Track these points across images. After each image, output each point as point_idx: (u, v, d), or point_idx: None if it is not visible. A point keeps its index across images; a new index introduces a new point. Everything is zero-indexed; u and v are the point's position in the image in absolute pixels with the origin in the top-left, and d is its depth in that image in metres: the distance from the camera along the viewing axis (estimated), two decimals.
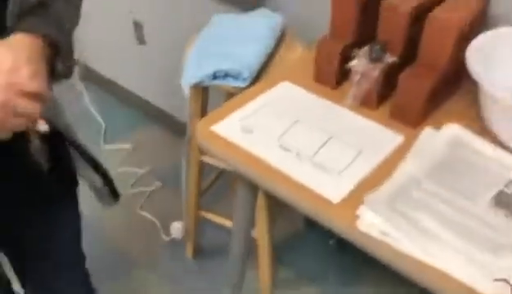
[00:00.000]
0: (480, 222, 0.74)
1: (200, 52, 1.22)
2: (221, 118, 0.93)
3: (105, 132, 2.24)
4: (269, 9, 1.38)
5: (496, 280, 0.65)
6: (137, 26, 2.01)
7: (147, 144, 2.18)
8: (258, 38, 1.23)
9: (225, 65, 1.14)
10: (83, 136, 2.20)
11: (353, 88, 0.92)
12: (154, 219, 1.81)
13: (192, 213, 1.57)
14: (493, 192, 0.78)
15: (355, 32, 0.97)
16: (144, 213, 1.84)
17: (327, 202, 0.77)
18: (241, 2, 1.47)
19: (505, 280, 0.65)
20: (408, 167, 0.82)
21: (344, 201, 0.77)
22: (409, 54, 0.92)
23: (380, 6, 0.91)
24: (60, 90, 0.80)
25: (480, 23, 0.95)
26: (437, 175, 0.80)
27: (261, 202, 1.26)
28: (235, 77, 1.15)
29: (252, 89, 1.02)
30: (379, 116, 0.94)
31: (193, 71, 1.18)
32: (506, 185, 0.79)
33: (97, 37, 2.28)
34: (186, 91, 1.21)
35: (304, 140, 0.88)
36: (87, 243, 1.08)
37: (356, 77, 0.92)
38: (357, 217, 0.74)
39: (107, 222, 1.80)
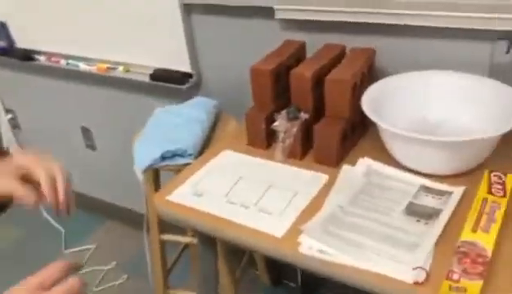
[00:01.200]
0: (396, 229, 0.90)
1: (148, 139, 1.38)
2: (174, 188, 1.08)
3: (65, 238, 2.30)
4: (203, 96, 1.59)
5: (414, 269, 0.81)
6: (85, 132, 2.17)
7: (109, 242, 2.25)
8: (197, 121, 1.41)
9: (171, 147, 1.31)
10: (44, 246, 2.27)
11: (279, 145, 1.11)
12: None
13: (161, 293, 1.64)
14: (404, 204, 0.96)
15: (273, 100, 1.17)
16: None
17: (273, 237, 0.92)
18: (177, 94, 1.67)
19: (421, 268, 0.81)
20: (334, 199, 0.99)
21: (287, 233, 0.92)
22: (319, 110, 1.12)
23: (290, 75, 1.12)
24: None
25: (371, 75, 1.18)
26: (358, 200, 0.98)
27: (223, 268, 1.37)
28: (182, 155, 1.31)
29: (198, 161, 1.19)
30: (305, 164, 1.12)
31: (143, 156, 1.33)
32: (414, 197, 0.97)
33: (49, 148, 2.41)
34: (139, 175, 1.36)
35: (247, 193, 1.03)
36: None
37: (280, 136, 1.10)
38: (298, 244, 0.89)
39: None
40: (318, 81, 1.11)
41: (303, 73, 1.10)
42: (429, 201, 0.96)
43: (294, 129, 1.09)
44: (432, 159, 0.99)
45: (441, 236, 0.87)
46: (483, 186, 0.92)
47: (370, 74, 1.18)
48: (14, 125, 2.47)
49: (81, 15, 1.79)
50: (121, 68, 1.78)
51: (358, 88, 1.11)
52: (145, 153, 1.34)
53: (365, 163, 1.07)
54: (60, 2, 1.82)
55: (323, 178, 1.06)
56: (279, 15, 1.32)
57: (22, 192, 0.70)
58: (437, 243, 0.85)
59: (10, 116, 2.44)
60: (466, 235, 0.81)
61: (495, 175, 0.93)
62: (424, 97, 1.15)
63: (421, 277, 0.79)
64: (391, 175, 1.04)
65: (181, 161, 1.30)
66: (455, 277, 0.74)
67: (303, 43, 1.27)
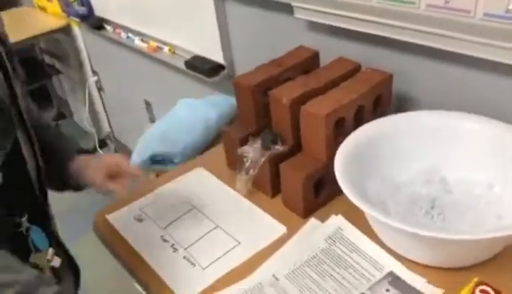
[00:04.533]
0: None
1: (149, 135, 1.29)
2: (123, 205, 0.97)
3: None
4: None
5: None
6: (148, 105, 2.17)
7: None
8: (204, 122, 1.27)
9: (161, 150, 1.19)
10: None
11: (241, 173, 0.92)
12: None
13: None
14: None
15: (258, 118, 0.97)
16: None
17: None
18: (211, 84, 1.55)
19: None
20: (271, 265, 0.79)
21: None
22: (300, 144, 0.90)
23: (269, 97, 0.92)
24: None
25: (381, 108, 0.91)
26: (299, 275, 0.76)
27: None
28: (171, 161, 1.19)
29: (168, 174, 1.06)
30: (274, 205, 0.92)
31: (137, 154, 1.24)
32: (371, 289, 0.73)
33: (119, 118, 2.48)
34: None
35: (187, 231, 0.88)
36: None
37: (246, 163, 0.92)
38: None
39: None
40: (298, 109, 0.88)
41: (282, 97, 0.89)
42: None
43: (261, 160, 0.90)
44: (415, 247, 0.73)
45: None
46: None
47: (380, 107, 0.92)
48: (99, 87, 2.58)
49: None
50: (167, 48, 1.70)
51: (351, 125, 0.86)
52: (139, 150, 1.24)
53: (335, 223, 0.84)
54: None
55: (280, 231, 0.86)
56: (298, 14, 1.10)
57: (103, 188, 0.83)
58: None
59: (95, 78, 2.54)
60: None
61: (481, 292, 0.65)
62: (446, 145, 0.85)
63: None
64: (358, 246, 0.79)
65: (168, 167, 1.19)
66: None
67: (315, 53, 1.04)
